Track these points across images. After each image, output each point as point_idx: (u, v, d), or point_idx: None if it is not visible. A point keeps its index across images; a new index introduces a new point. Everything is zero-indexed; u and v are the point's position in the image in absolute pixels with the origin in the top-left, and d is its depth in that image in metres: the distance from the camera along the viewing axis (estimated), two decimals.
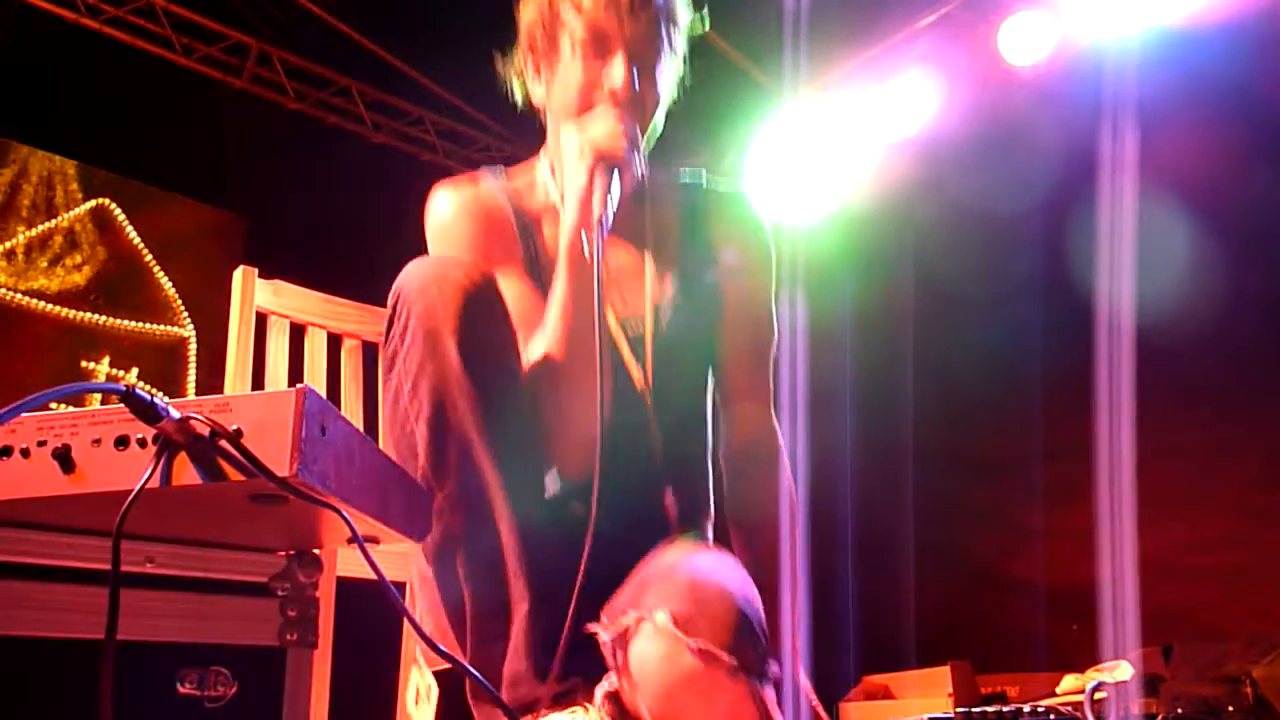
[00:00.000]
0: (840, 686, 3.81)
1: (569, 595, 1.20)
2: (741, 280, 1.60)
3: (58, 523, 1.04)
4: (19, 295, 3.77)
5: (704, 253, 1.61)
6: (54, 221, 3.91)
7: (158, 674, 1.08)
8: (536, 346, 1.39)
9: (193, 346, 4.11)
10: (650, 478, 1.49)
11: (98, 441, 0.94)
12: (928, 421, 4.28)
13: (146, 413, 0.90)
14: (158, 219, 4.16)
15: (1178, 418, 3.50)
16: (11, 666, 1.05)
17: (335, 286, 2.21)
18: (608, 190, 1.37)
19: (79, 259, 3.95)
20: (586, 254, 1.34)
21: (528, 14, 1.53)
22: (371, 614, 1.45)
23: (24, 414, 0.91)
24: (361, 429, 1.32)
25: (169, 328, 4.09)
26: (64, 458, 0.94)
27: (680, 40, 1.55)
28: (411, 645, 2.01)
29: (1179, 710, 1.79)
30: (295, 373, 2.06)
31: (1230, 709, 1.75)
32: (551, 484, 1.37)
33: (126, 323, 3.99)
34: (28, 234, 3.84)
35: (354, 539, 1.01)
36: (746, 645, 1.12)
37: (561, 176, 1.50)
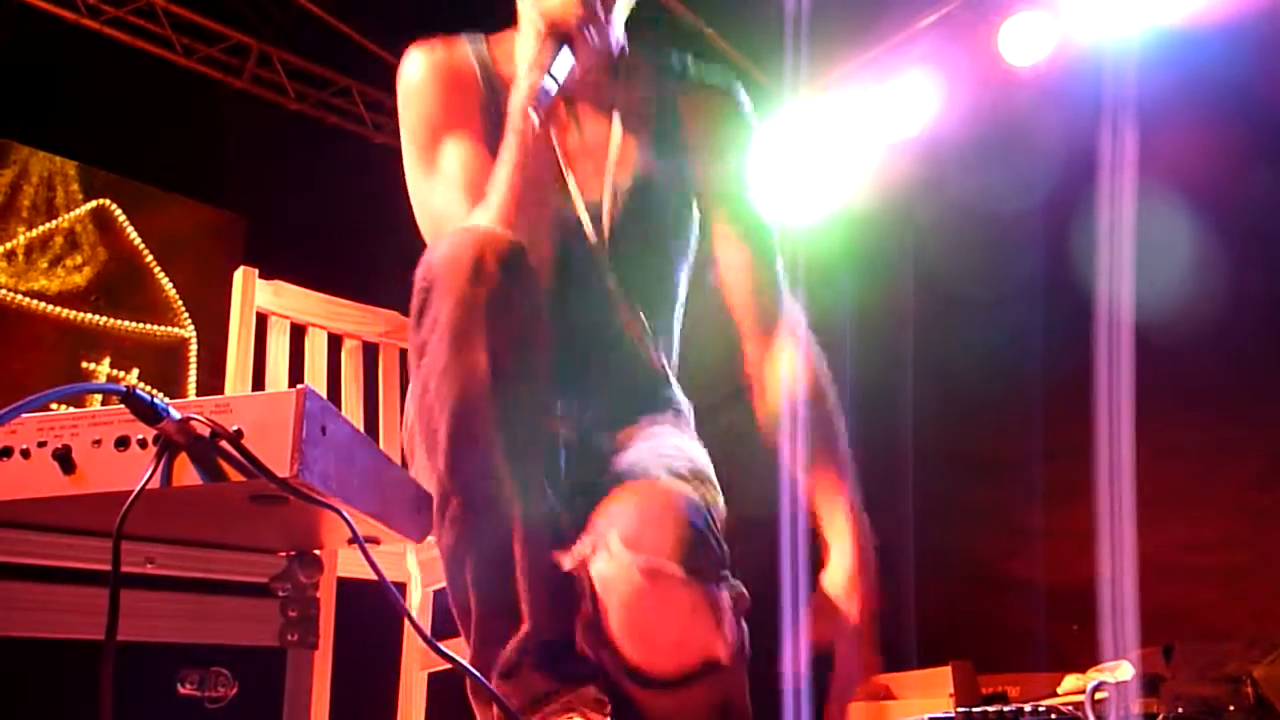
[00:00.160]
0: None
1: (571, 600, 1.20)
2: (721, 181, 1.60)
3: (58, 523, 1.04)
4: (19, 296, 3.77)
5: (677, 141, 1.59)
6: (54, 222, 3.91)
7: (158, 675, 1.08)
8: (479, 215, 1.39)
9: (193, 347, 4.12)
10: (610, 342, 1.49)
11: (98, 442, 0.94)
12: (928, 422, 4.28)
13: (147, 413, 0.91)
14: (158, 219, 4.17)
15: (1178, 418, 3.50)
16: (12, 667, 1.05)
17: (336, 287, 2.21)
18: (552, 59, 1.38)
19: (79, 259, 3.96)
20: (525, 125, 1.34)
21: None
22: (372, 614, 1.45)
23: (24, 415, 0.91)
24: (362, 429, 1.32)
25: (169, 328, 4.09)
26: (64, 458, 0.94)
27: None
28: (412, 645, 2.01)
29: (1180, 710, 1.79)
30: (296, 373, 2.06)
31: (1231, 709, 1.75)
32: None
33: (127, 323, 3.99)
34: (28, 235, 3.84)
35: (354, 539, 1.01)
36: (695, 554, 1.17)
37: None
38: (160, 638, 1.10)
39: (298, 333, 2.10)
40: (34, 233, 3.85)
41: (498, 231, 1.28)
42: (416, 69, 1.57)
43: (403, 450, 1.61)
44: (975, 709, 1.74)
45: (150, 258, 4.10)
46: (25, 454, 0.95)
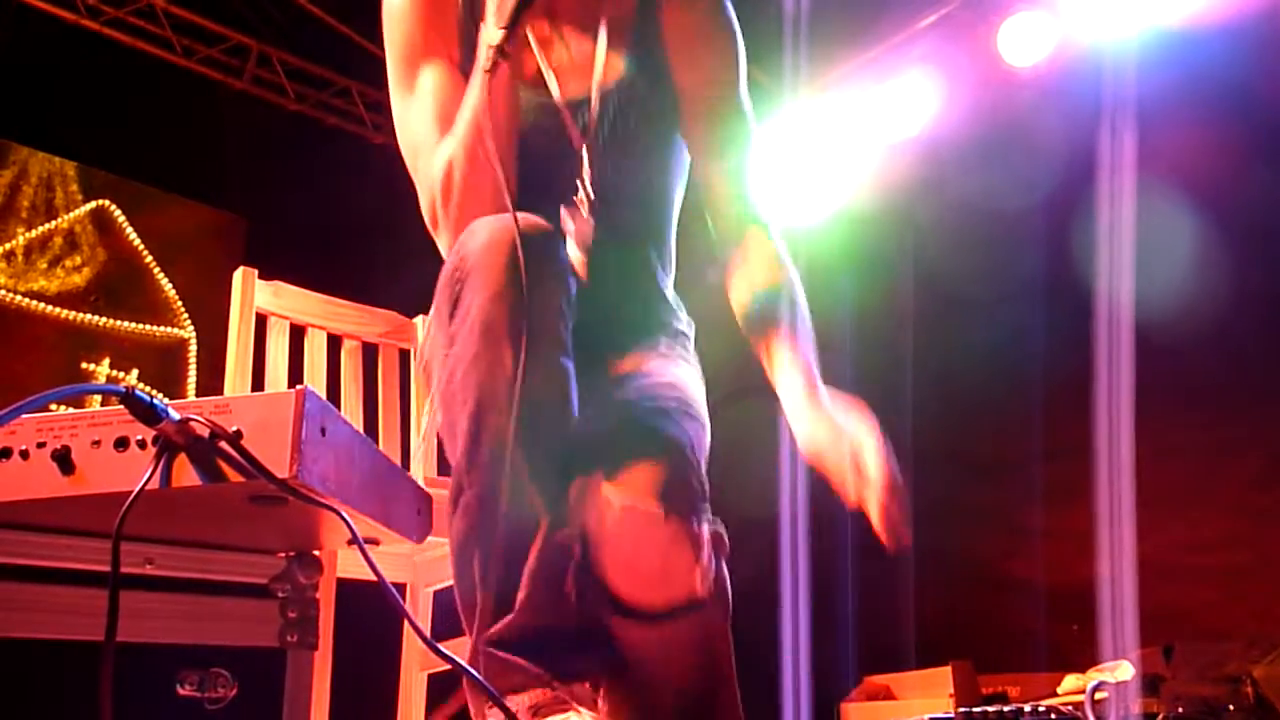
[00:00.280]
0: (841, 687, 3.81)
1: (574, 599, 1.21)
2: (702, 86, 1.59)
3: (57, 524, 1.04)
4: (19, 296, 3.77)
5: (659, 48, 1.59)
6: (54, 223, 3.91)
7: (158, 676, 1.08)
8: (445, 146, 1.41)
9: (193, 348, 4.12)
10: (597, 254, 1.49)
11: (97, 443, 0.94)
12: (928, 422, 4.27)
13: (146, 414, 0.90)
14: (157, 220, 4.17)
15: (1178, 418, 3.50)
16: (11, 668, 1.05)
17: (335, 287, 2.21)
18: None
19: (79, 260, 3.95)
20: (489, 60, 1.34)
21: None
22: (371, 615, 1.45)
23: (24, 415, 0.91)
24: (361, 430, 1.31)
25: (169, 329, 4.09)
26: (63, 459, 0.94)
27: None
28: (412, 646, 2.01)
29: (1180, 710, 1.79)
30: (295, 374, 2.06)
31: (1231, 708, 1.74)
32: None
33: (126, 324, 3.99)
34: (27, 235, 3.84)
35: (354, 540, 1.01)
36: (673, 490, 1.23)
37: None
38: (160, 638, 1.10)
39: (297, 333, 2.10)
40: (33, 233, 3.85)
41: (530, 220, 1.29)
42: None
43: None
44: (975, 709, 1.74)
45: (150, 258, 4.10)
46: (24, 455, 0.95)
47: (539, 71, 1.52)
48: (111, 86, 4.03)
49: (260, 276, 2.07)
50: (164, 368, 4.05)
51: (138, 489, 0.90)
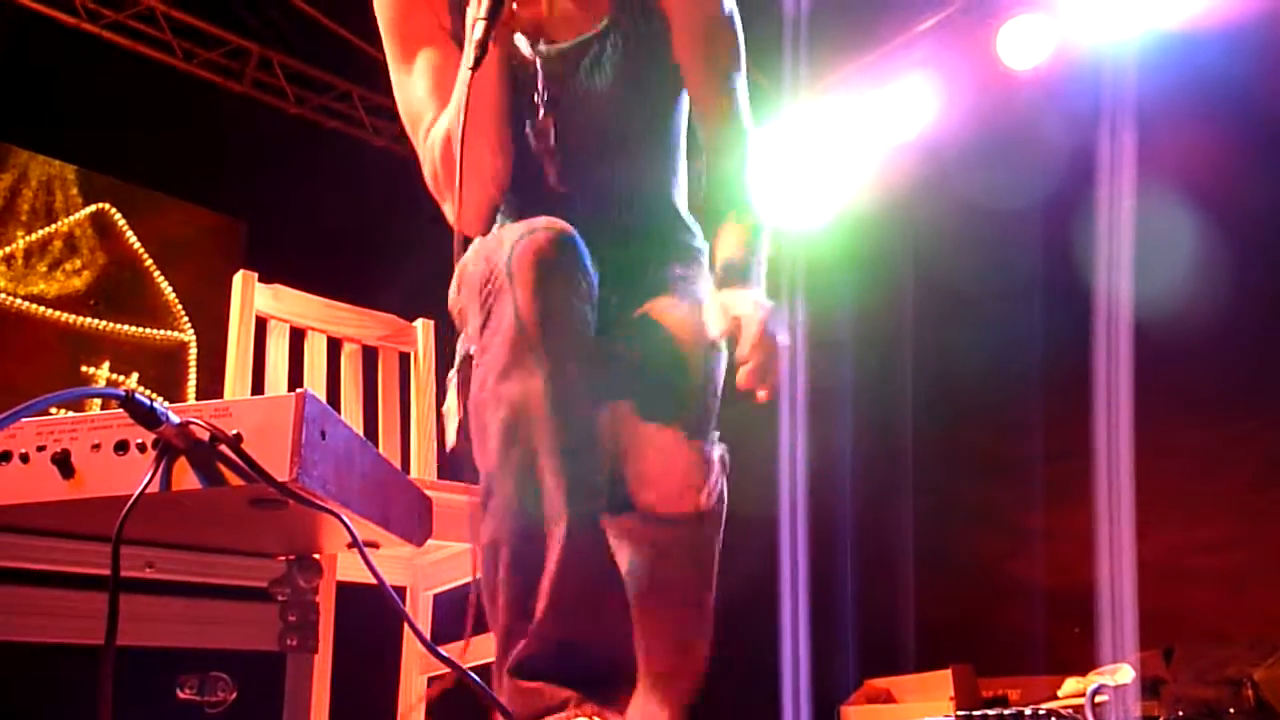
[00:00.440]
0: (841, 690, 3.80)
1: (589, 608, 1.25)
2: (687, 5, 1.60)
3: (57, 528, 1.04)
4: (18, 300, 3.77)
5: None
6: (53, 226, 3.91)
7: (157, 680, 1.08)
8: (444, 119, 1.46)
9: (193, 351, 4.11)
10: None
11: (97, 446, 0.94)
12: (928, 422, 4.28)
13: (146, 418, 0.90)
14: (157, 223, 4.17)
15: (1178, 418, 3.50)
16: (11, 672, 1.05)
17: (335, 291, 2.21)
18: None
19: (79, 264, 3.95)
20: (478, 35, 1.36)
21: None
22: (371, 619, 1.45)
23: (24, 419, 0.91)
24: (361, 433, 1.32)
25: (169, 332, 4.09)
26: (63, 463, 0.94)
27: None
28: (412, 650, 2.01)
29: (1180, 713, 1.79)
30: (295, 377, 2.06)
31: (1231, 711, 1.74)
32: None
33: (126, 327, 3.99)
34: (27, 239, 3.84)
35: (354, 544, 1.01)
36: (694, 421, 1.39)
37: None
38: (160, 642, 1.10)
39: (297, 337, 2.10)
40: (33, 237, 3.85)
41: (553, 230, 1.33)
42: None
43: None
44: (976, 712, 1.74)
45: (150, 261, 4.10)
46: (24, 458, 0.94)
47: (531, 21, 1.54)
48: (112, 90, 4.02)
49: (260, 280, 2.07)
50: (164, 371, 4.05)
51: (138, 492, 0.90)
